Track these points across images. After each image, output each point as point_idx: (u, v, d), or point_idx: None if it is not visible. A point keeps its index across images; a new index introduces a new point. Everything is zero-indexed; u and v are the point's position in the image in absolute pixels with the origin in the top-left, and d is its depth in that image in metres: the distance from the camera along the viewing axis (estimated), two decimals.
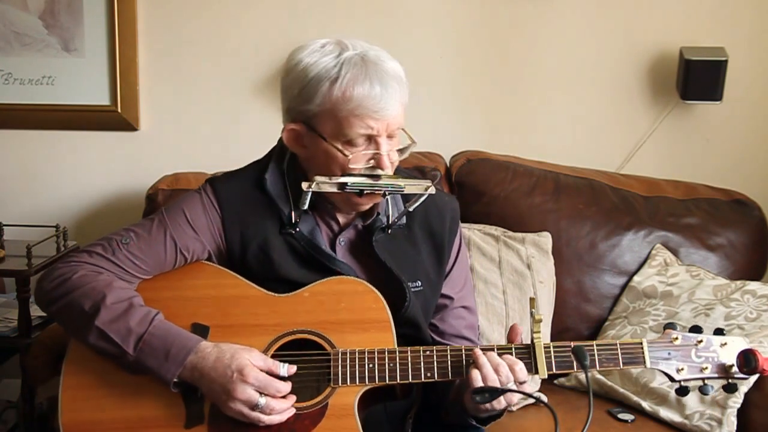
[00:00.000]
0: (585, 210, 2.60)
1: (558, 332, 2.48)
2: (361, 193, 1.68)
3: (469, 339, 1.87)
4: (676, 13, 2.83)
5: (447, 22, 2.86)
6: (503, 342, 1.84)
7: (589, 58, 2.86)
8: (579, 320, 2.54)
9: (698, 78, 2.70)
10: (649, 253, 2.56)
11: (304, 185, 1.67)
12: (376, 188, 1.67)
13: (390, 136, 1.68)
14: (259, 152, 1.87)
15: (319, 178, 1.67)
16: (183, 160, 2.81)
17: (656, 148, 2.88)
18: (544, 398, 1.65)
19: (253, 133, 2.88)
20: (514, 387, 1.59)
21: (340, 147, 1.66)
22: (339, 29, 2.82)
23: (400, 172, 1.78)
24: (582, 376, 2.30)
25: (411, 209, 1.76)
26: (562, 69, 2.87)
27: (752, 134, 2.88)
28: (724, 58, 2.70)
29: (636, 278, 2.53)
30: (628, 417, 2.23)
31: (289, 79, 1.70)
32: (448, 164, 2.74)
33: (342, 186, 1.66)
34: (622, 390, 2.29)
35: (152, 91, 2.91)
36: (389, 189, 1.69)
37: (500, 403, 1.61)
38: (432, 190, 1.71)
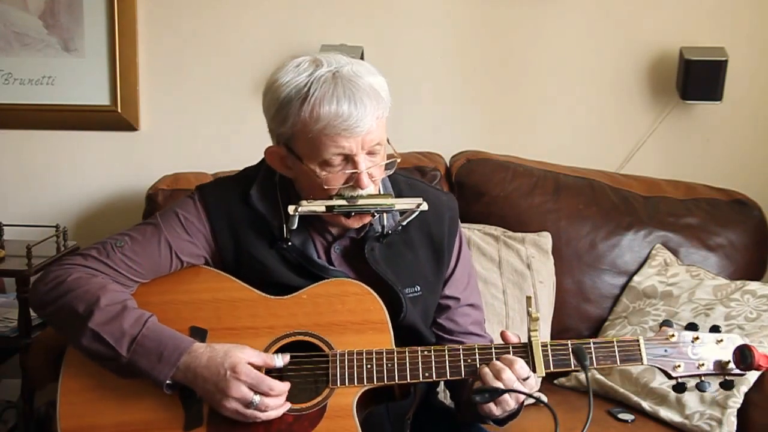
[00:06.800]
0: (585, 210, 2.60)
1: (558, 332, 2.48)
2: (348, 215, 1.67)
3: (477, 334, 1.86)
4: (676, 13, 2.83)
5: (447, 22, 2.86)
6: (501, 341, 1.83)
7: (589, 58, 2.86)
8: (579, 320, 2.54)
9: (698, 78, 2.70)
10: (649, 253, 2.56)
11: (291, 209, 1.66)
12: (364, 209, 1.66)
13: (371, 153, 1.65)
14: (260, 152, 1.87)
15: (305, 202, 1.66)
16: (183, 160, 2.81)
17: (656, 148, 2.88)
18: (544, 398, 1.65)
19: (253, 133, 2.83)
20: (519, 387, 1.59)
21: (316, 168, 1.64)
22: (339, 29, 2.82)
23: (397, 178, 1.77)
24: (582, 376, 2.30)
25: (404, 224, 1.74)
26: (562, 69, 2.87)
27: (752, 134, 2.88)
28: (724, 58, 2.70)
29: (636, 278, 2.53)
30: (628, 417, 2.23)
31: (267, 100, 1.68)
32: (448, 164, 2.74)
33: (330, 208, 1.65)
34: (622, 390, 2.29)
35: (152, 91, 2.91)
36: (378, 209, 1.67)
37: (508, 403, 1.59)
38: (424, 207, 1.69)
